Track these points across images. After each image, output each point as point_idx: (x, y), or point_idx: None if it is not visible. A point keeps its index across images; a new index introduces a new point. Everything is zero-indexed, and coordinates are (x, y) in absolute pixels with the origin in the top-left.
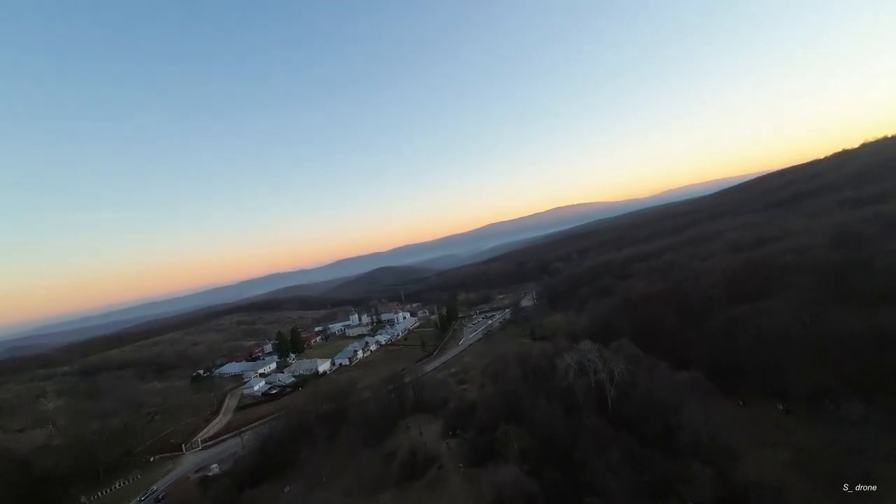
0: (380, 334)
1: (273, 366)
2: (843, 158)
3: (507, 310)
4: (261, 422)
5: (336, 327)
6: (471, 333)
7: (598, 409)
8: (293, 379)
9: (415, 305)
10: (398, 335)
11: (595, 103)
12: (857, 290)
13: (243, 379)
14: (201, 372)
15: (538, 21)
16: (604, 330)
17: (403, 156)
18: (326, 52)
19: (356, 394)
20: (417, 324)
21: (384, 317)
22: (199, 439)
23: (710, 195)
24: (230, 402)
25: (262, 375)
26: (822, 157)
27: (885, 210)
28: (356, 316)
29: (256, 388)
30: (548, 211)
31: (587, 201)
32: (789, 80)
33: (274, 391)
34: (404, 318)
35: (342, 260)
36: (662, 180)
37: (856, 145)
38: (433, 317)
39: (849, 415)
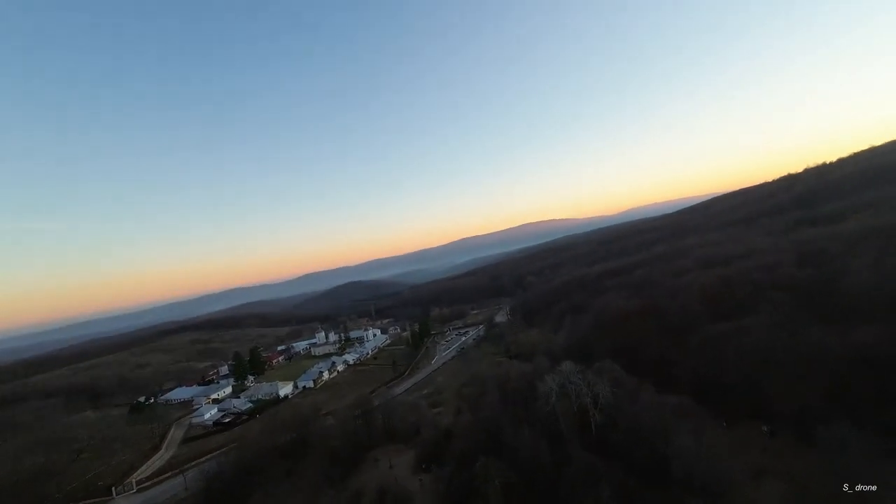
0: (348, 353)
1: (228, 390)
2: (789, 182)
3: (480, 326)
4: (210, 456)
5: (301, 346)
6: (444, 351)
7: (582, 435)
8: (250, 405)
9: (386, 321)
10: (368, 354)
11: (564, 123)
12: (829, 308)
13: (193, 406)
14: (142, 400)
15: (507, 41)
16: (583, 348)
17: (372, 169)
18: (301, 57)
19: (320, 421)
20: (388, 341)
21: (353, 334)
22: (133, 480)
23: (673, 213)
24: (175, 434)
25: (215, 401)
26: (770, 179)
27: (842, 230)
28: (323, 333)
29: (207, 416)
30: (520, 226)
31: (557, 217)
32: (739, 110)
33: (227, 419)
34: (374, 335)
35: (309, 274)
36: (627, 198)
37: (799, 170)
38: (405, 333)
39: (839, 438)
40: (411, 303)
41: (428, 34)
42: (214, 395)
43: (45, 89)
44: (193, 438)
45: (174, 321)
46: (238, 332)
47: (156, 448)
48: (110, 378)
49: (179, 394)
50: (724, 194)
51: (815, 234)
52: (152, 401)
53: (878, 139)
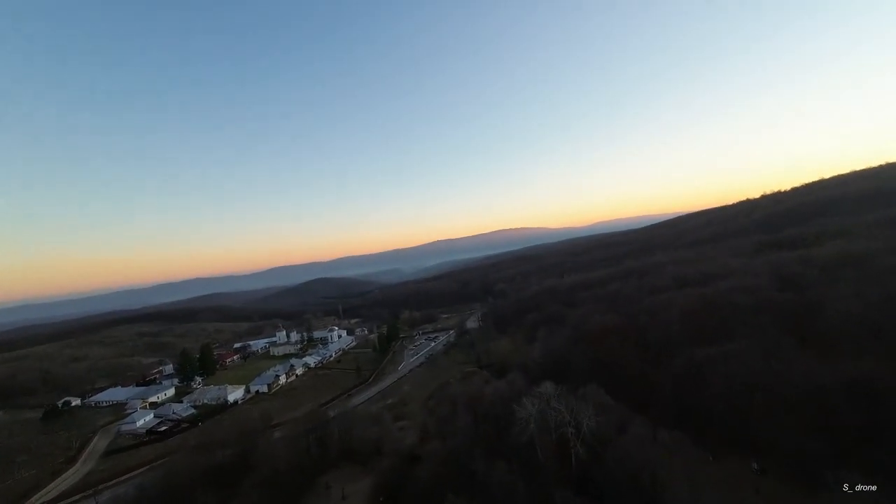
0: (309, 355)
1: (171, 392)
2: (747, 206)
3: (451, 331)
4: (133, 474)
5: (259, 345)
6: (412, 357)
7: (563, 470)
8: (193, 411)
9: (353, 322)
10: (331, 356)
11: (540, 135)
12: (813, 336)
13: (126, 410)
14: (59, 404)
15: (490, 50)
16: (559, 363)
17: (350, 164)
18: (281, 48)
19: (267, 436)
20: (354, 343)
21: (317, 334)
22: None
23: (641, 229)
24: (99, 444)
25: (153, 405)
26: (730, 203)
27: (815, 256)
28: (284, 332)
29: (140, 423)
30: (493, 232)
31: (530, 226)
32: (703, 138)
33: (163, 428)
34: (339, 336)
35: (277, 267)
36: (596, 211)
37: (756, 196)
38: (372, 336)
39: (838, 481)
40: (381, 303)
41: (415, 34)
42: (153, 398)
43: None
44: (119, 450)
45: (123, 310)
46: (193, 326)
47: (71, 461)
48: (30, 374)
49: (112, 395)
50: (687, 214)
51: (787, 259)
52: (78, 402)
53: (828, 172)
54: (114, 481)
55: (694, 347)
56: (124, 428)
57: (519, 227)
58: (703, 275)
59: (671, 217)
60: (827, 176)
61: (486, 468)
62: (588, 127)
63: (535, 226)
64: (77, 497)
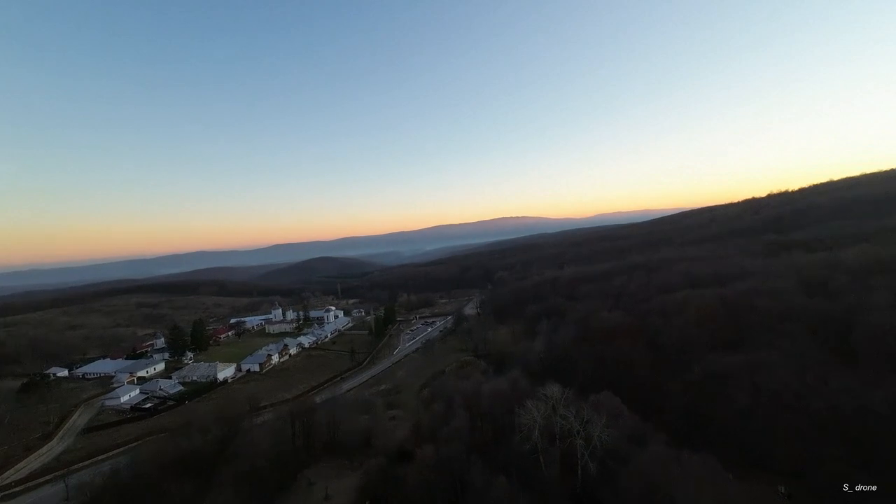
0: (304, 335)
1: (160, 367)
2: (753, 205)
3: (448, 317)
4: (110, 454)
5: (254, 321)
6: (408, 341)
7: (568, 487)
8: (180, 388)
9: (351, 302)
10: (326, 337)
11: (545, 124)
12: (848, 349)
13: (112, 384)
14: (37, 375)
15: (496, 36)
16: (563, 361)
17: (355, 145)
18: (289, 28)
19: (252, 419)
20: (350, 324)
21: (313, 314)
22: None
23: (642, 223)
24: (80, 419)
25: (141, 380)
26: (735, 201)
27: (841, 260)
28: (280, 310)
29: (125, 398)
30: (493, 220)
31: (531, 215)
32: (707, 134)
33: (148, 405)
34: (336, 317)
35: (280, 244)
36: (596, 204)
37: (763, 195)
38: (368, 318)
39: None
40: (380, 285)
41: (422, 22)
42: (142, 372)
43: None
44: (99, 427)
45: (128, 279)
46: (192, 299)
47: (47, 437)
48: (18, 341)
49: (100, 367)
50: (689, 210)
51: (810, 261)
52: (65, 373)
53: (837, 174)
54: (89, 461)
55: (712, 354)
56: (108, 403)
57: (520, 215)
58: (717, 274)
59: (672, 213)
60: (835, 178)
61: (483, 480)
62: (591, 119)
63: (536, 215)
64: (48, 477)
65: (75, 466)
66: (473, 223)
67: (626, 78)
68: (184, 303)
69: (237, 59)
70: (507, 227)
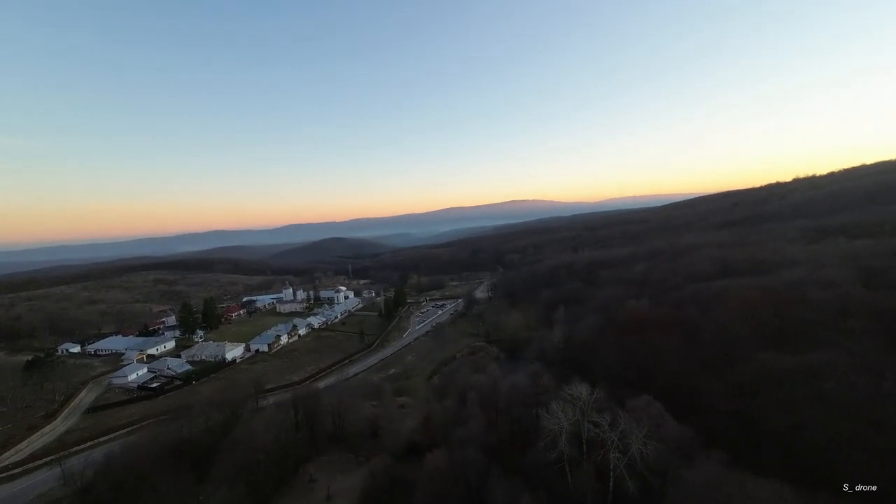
0: (314, 315)
1: (171, 345)
2: (779, 190)
3: (459, 300)
4: (112, 436)
5: (265, 300)
6: (418, 324)
7: None
8: (188, 367)
9: (362, 282)
10: (336, 318)
11: (558, 108)
12: None
13: (122, 361)
14: (41, 352)
15: (519, 21)
16: (585, 354)
17: (370, 127)
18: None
19: (255, 404)
20: (360, 305)
21: (323, 294)
22: None
23: (657, 208)
24: (87, 397)
25: (150, 358)
26: (757, 185)
27: None
28: (290, 290)
29: (132, 377)
30: (504, 203)
31: (542, 198)
32: (725, 118)
33: (155, 384)
34: (346, 297)
35: (294, 224)
36: (608, 188)
37: (788, 179)
38: (378, 299)
39: None
40: (391, 266)
41: (436, 5)
42: (152, 350)
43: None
44: (105, 407)
45: (144, 257)
46: (207, 276)
47: (51, 416)
48: (36, 315)
49: (111, 344)
50: (707, 195)
51: (862, 249)
52: (77, 349)
53: (867, 158)
54: (92, 442)
55: (762, 352)
56: (115, 381)
57: (530, 198)
58: (754, 261)
59: (687, 198)
60: (868, 162)
61: (504, 495)
62: (603, 104)
63: (547, 199)
64: (46, 460)
65: (76, 448)
66: (484, 206)
67: (640, 61)
68: (199, 280)
69: (257, 40)
70: (517, 210)
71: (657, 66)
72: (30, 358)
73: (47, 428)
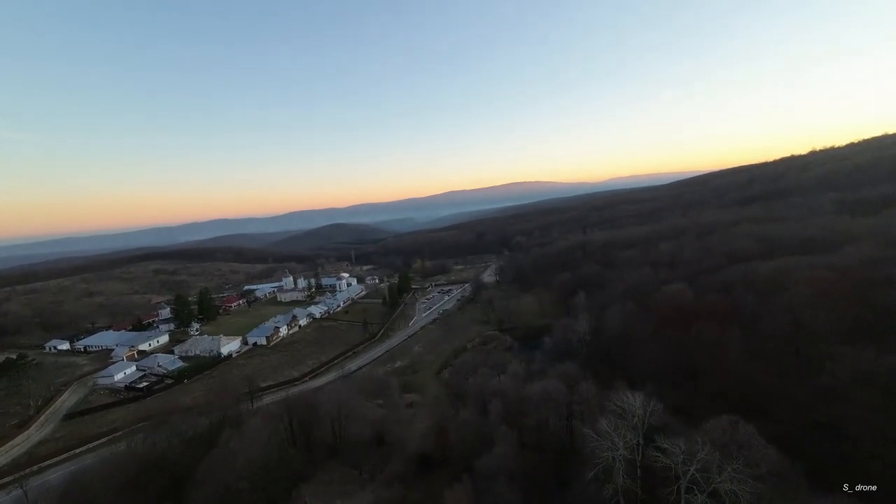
0: (316, 304)
1: (164, 339)
2: (797, 163)
3: (465, 285)
4: (95, 444)
5: (265, 290)
6: (424, 311)
7: None
8: (180, 364)
9: (365, 269)
10: (338, 306)
11: (558, 88)
12: None
13: (111, 359)
14: (13, 356)
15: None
16: (619, 347)
17: (369, 111)
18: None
19: (252, 402)
20: (363, 293)
21: (325, 281)
22: None
23: (665, 185)
24: (68, 401)
25: (141, 354)
26: (771, 160)
27: None
28: (291, 278)
29: (118, 376)
30: (506, 185)
31: (544, 179)
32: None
33: (144, 384)
34: (348, 284)
35: (296, 212)
36: (610, 167)
37: (804, 151)
38: (382, 285)
39: None
40: (394, 251)
41: None
42: (143, 346)
43: None
44: (85, 412)
45: (146, 247)
46: (209, 266)
47: (24, 424)
48: (25, 310)
49: (101, 339)
50: (719, 171)
51: None
52: (66, 346)
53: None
54: (66, 454)
55: (848, 348)
56: (101, 381)
57: (533, 180)
58: (803, 238)
59: (694, 175)
60: (890, 132)
61: None
62: (603, 80)
63: (550, 180)
64: (15, 475)
65: (47, 463)
66: (486, 188)
67: (638, 37)
68: (200, 269)
69: (255, 29)
70: (520, 192)
71: (657, 42)
72: (3, 360)
73: (18, 439)
